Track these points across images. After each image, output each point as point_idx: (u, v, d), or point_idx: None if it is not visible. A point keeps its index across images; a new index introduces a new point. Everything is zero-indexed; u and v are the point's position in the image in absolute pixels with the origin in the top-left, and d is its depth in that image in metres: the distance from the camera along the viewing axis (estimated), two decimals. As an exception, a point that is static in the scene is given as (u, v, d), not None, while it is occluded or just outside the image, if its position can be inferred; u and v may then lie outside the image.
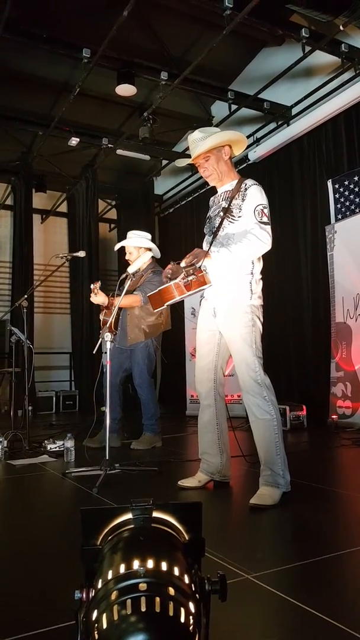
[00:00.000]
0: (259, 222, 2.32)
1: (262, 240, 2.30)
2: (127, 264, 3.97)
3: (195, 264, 2.28)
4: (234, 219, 2.40)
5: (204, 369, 2.54)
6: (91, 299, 3.70)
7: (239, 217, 2.39)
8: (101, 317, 3.92)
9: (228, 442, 2.61)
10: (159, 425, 4.03)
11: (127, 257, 4.00)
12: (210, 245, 2.40)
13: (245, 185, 2.43)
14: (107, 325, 3.82)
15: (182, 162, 2.74)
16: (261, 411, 2.31)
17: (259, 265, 2.45)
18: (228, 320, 2.40)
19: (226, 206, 2.42)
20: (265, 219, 2.34)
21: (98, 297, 3.65)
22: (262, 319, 2.44)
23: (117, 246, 4.15)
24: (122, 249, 4.11)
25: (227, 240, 2.39)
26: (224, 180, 2.54)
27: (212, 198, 2.66)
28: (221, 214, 2.45)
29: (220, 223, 2.41)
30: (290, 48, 5.65)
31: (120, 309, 3.91)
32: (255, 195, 2.38)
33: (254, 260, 2.42)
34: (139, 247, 3.98)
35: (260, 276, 2.47)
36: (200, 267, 2.26)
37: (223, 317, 2.42)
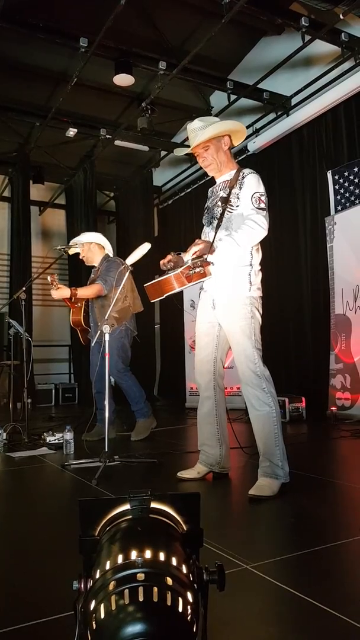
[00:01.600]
0: (256, 208, 2.32)
1: (260, 225, 2.28)
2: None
3: (203, 256, 2.26)
4: (232, 208, 2.39)
5: (204, 360, 2.53)
6: (51, 294, 3.58)
7: (237, 206, 2.38)
8: (70, 316, 3.92)
9: (227, 433, 2.62)
10: (149, 406, 3.99)
11: (81, 256, 4.01)
12: (215, 236, 2.37)
13: (243, 174, 2.42)
14: (94, 320, 3.85)
15: (181, 152, 2.71)
16: (260, 403, 2.31)
17: (258, 256, 2.44)
18: (227, 312, 2.40)
19: (225, 196, 2.41)
20: (262, 205, 2.33)
21: (59, 291, 3.54)
22: (261, 311, 2.43)
23: (72, 246, 4.11)
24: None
25: (226, 230, 2.38)
26: (223, 171, 2.52)
27: (210, 189, 2.65)
28: (219, 203, 2.44)
29: (222, 214, 2.40)
30: (290, 37, 5.60)
31: (87, 305, 3.91)
32: (252, 183, 2.37)
33: (252, 251, 2.41)
34: (89, 242, 3.97)
35: (260, 267, 2.46)
36: (207, 260, 2.25)
37: (222, 309, 2.42)
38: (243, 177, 2.40)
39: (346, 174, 4.94)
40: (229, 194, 2.40)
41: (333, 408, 4.63)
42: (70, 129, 6.37)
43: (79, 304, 3.88)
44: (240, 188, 2.38)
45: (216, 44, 5.13)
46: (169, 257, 2.39)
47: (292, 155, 5.87)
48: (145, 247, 2.95)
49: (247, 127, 6.52)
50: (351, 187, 4.90)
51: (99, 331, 3.76)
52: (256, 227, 2.28)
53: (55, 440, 3.63)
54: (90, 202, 8.03)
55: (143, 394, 3.96)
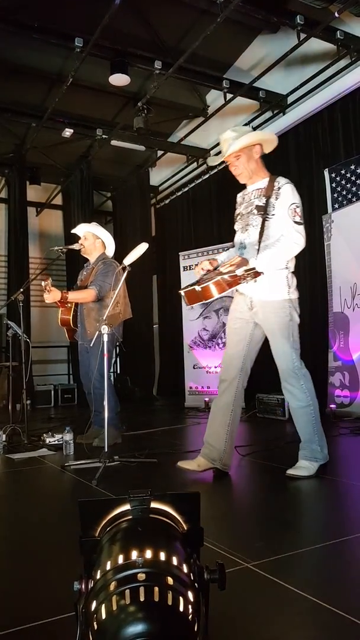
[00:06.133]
0: (293, 221, 2.47)
1: (297, 242, 2.47)
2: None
3: (252, 270, 2.38)
4: (268, 217, 2.53)
5: (233, 356, 2.65)
6: (44, 297, 3.58)
7: (273, 214, 2.52)
8: (59, 314, 3.89)
9: (236, 431, 2.68)
10: (119, 420, 3.86)
11: (80, 242, 3.90)
12: (259, 246, 2.51)
13: (279, 183, 2.55)
14: (81, 320, 3.80)
15: (214, 161, 2.83)
16: (298, 398, 2.52)
17: (293, 260, 2.60)
18: (267, 316, 2.56)
19: (261, 205, 2.55)
20: (297, 219, 2.49)
21: (51, 294, 3.54)
22: (299, 311, 2.59)
23: (75, 229, 4.02)
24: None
25: (265, 239, 2.52)
26: (254, 179, 2.65)
27: (240, 195, 2.76)
28: (255, 212, 2.57)
29: (263, 224, 2.53)
30: (285, 35, 5.60)
31: (77, 305, 3.87)
32: (288, 194, 2.51)
33: None
34: (97, 237, 3.92)
35: (293, 269, 2.60)
36: (258, 271, 2.39)
37: (261, 312, 2.57)
38: (279, 187, 2.53)
39: (343, 171, 4.94)
40: (266, 203, 2.53)
41: (332, 406, 4.64)
42: (67, 129, 6.35)
43: (69, 304, 3.87)
44: (277, 198, 2.52)
45: (211, 43, 5.12)
46: (204, 266, 2.58)
47: (288, 153, 5.86)
48: (142, 247, 2.95)
49: (243, 125, 6.52)
50: (348, 185, 4.90)
51: (87, 331, 3.75)
52: (292, 245, 2.47)
53: (54, 441, 3.63)
54: (87, 203, 8.02)
55: (118, 405, 3.81)
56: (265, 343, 2.67)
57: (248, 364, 2.67)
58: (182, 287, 2.56)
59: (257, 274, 2.38)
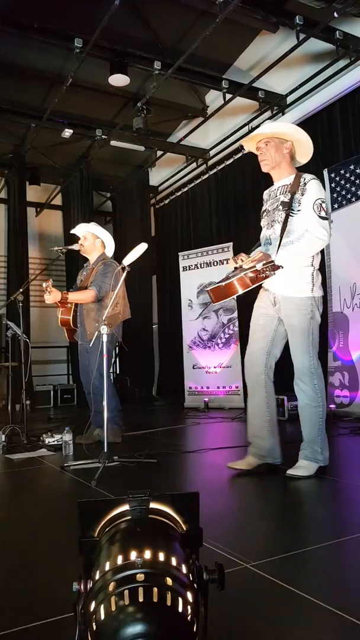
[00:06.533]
0: (318, 216, 2.46)
1: (321, 238, 2.46)
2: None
3: (271, 263, 2.43)
4: (293, 213, 2.53)
5: (257, 353, 2.67)
6: (45, 299, 3.61)
7: (299, 210, 2.52)
8: (59, 315, 3.88)
9: (277, 424, 2.71)
10: (121, 419, 3.86)
11: (80, 242, 3.90)
12: (280, 240, 2.51)
13: (304, 179, 2.56)
14: (81, 321, 3.79)
15: (247, 142, 2.76)
16: (309, 396, 2.54)
17: (318, 258, 2.60)
18: (289, 312, 2.56)
19: (287, 201, 2.55)
20: (323, 214, 2.48)
21: (52, 295, 3.57)
22: (321, 310, 2.58)
23: (74, 230, 4.01)
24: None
25: (289, 234, 2.52)
26: (281, 175, 2.65)
27: (266, 192, 2.78)
28: (281, 207, 2.58)
29: (285, 219, 2.53)
30: (285, 36, 5.60)
31: (77, 305, 3.87)
32: (313, 189, 2.52)
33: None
34: (97, 236, 3.91)
35: (319, 267, 2.61)
36: (276, 264, 2.44)
37: (284, 307, 2.58)
38: (305, 183, 2.55)
39: (342, 171, 4.94)
40: (291, 199, 2.54)
41: (332, 406, 4.64)
42: (66, 129, 6.36)
43: (70, 305, 3.87)
44: (303, 194, 2.53)
45: (211, 43, 5.12)
46: (233, 263, 2.56)
47: (288, 153, 5.87)
48: (142, 247, 2.95)
49: (243, 126, 6.53)
50: (347, 185, 4.90)
51: (86, 332, 3.75)
52: (318, 240, 2.46)
53: (54, 441, 3.63)
54: (87, 203, 8.02)
55: (119, 405, 3.80)
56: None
57: (272, 360, 2.68)
58: (208, 285, 2.61)
59: (275, 267, 2.41)
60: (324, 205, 2.49)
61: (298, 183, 2.55)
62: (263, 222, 2.74)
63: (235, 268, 2.57)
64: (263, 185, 2.95)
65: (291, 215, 2.53)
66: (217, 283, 2.52)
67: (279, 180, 2.67)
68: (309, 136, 2.71)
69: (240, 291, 2.42)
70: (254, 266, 2.41)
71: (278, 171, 2.67)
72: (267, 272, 2.41)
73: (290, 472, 2.50)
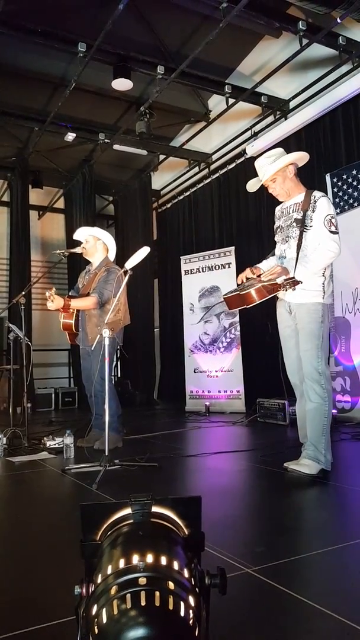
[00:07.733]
0: (329, 231, 2.64)
1: (333, 250, 2.63)
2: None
3: (291, 279, 2.57)
4: (306, 229, 2.71)
5: (294, 362, 2.82)
6: (47, 306, 3.68)
7: (311, 226, 2.70)
8: (61, 319, 3.90)
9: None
10: (121, 423, 3.82)
11: (83, 245, 3.92)
12: (297, 256, 2.68)
13: (315, 197, 2.74)
14: (82, 325, 3.80)
15: (253, 187, 2.94)
16: (316, 397, 2.62)
17: (330, 267, 2.77)
18: (301, 316, 2.71)
19: (300, 218, 2.73)
20: (333, 228, 2.66)
21: (55, 302, 3.62)
22: (330, 318, 2.74)
23: (76, 235, 4.02)
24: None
25: (303, 249, 2.69)
26: (292, 195, 2.84)
27: (278, 208, 2.98)
28: (294, 224, 2.75)
29: (300, 235, 2.70)
30: (288, 41, 5.63)
31: (78, 310, 3.89)
32: (324, 206, 2.70)
33: None
34: (99, 239, 3.91)
35: (331, 276, 2.77)
36: (296, 280, 2.58)
37: (298, 313, 2.74)
38: (315, 201, 2.72)
39: (344, 176, 4.95)
40: (303, 216, 2.71)
41: (333, 410, 4.62)
42: (69, 133, 6.38)
43: (72, 309, 3.88)
44: (314, 210, 2.71)
45: (214, 48, 5.14)
46: (248, 274, 2.75)
47: (290, 158, 5.88)
48: (144, 251, 2.96)
49: (245, 130, 6.55)
50: (350, 190, 4.90)
51: (88, 337, 3.75)
52: (329, 253, 2.62)
53: (55, 444, 3.62)
54: (89, 206, 8.04)
55: (119, 409, 3.75)
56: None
57: None
58: (224, 293, 2.82)
59: (295, 282, 2.56)
60: (333, 220, 2.66)
61: (309, 201, 2.73)
62: (277, 237, 2.91)
63: (248, 278, 2.71)
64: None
65: (305, 231, 2.70)
66: (234, 291, 2.66)
67: (291, 199, 2.85)
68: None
69: (257, 300, 2.57)
70: (274, 279, 2.57)
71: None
72: (287, 287, 2.55)
73: (292, 466, 2.57)
